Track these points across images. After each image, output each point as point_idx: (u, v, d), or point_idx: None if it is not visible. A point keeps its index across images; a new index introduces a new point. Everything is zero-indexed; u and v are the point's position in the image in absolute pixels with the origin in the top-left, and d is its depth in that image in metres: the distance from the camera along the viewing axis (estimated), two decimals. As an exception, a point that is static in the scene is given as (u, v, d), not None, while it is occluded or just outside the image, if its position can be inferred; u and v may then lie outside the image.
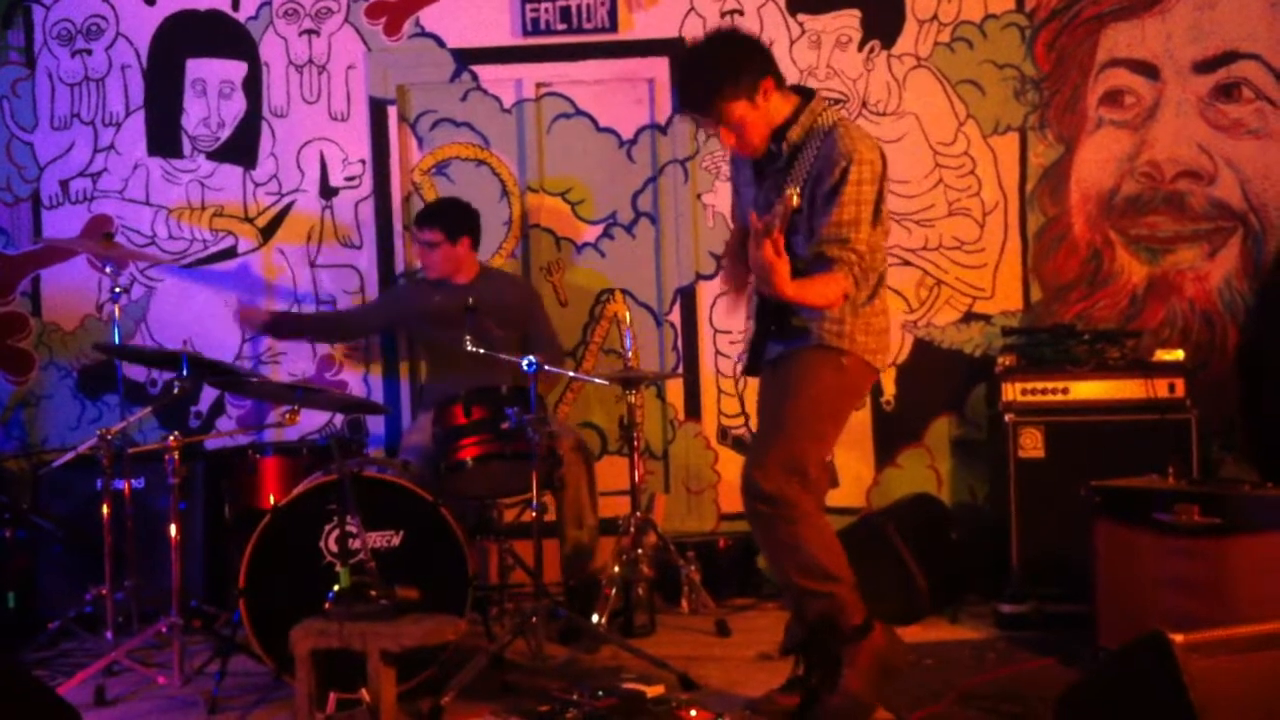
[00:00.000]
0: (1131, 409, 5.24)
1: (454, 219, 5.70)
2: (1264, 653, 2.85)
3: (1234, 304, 5.95)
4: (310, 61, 6.25)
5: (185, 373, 4.79)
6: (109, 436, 4.71)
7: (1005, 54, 6.04)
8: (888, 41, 6.07)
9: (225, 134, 6.28)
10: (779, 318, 3.90)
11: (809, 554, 3.82)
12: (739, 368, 4.33)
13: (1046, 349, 5.52)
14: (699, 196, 6.14)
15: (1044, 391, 5.36)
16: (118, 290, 5.39)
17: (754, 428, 4.32)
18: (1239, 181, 5.95)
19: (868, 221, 3.75)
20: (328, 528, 4.42)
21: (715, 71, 3.77)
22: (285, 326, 6.03)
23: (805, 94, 3.91)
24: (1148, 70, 5.98)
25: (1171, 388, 5.26)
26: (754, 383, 5.91)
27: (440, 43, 6.21)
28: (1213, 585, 4.09)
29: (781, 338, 3.92)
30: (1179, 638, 2.75)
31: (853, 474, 6.03)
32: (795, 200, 3.48)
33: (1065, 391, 5.34)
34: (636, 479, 5.36)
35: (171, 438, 4.49)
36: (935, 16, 6.05)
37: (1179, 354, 5.37)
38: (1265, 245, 5.93)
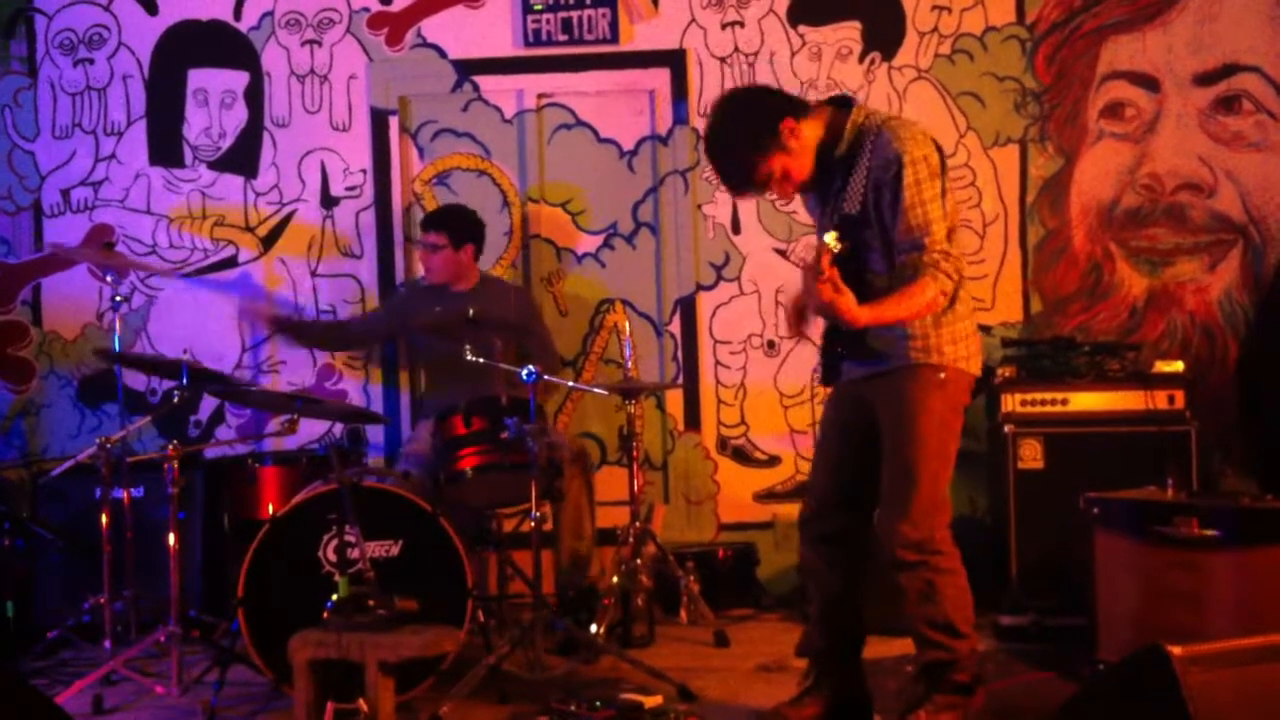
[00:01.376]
0: (1131, 421, 5.24)
1: (459, 225, 5.72)
2: (1264, 666, 2.84)
3: (1234, 316, 5.96)
4: (312, 71, 6.26)
5: (185, 382, 4.78)
6: (108, 445, 4.72)
7: (1006, 66, 6.05)
8: (888, 53, 6.08)
9: (226, 143, 6.29)
10: (849, 339, 3.74)
11: (943, 610, 3.74)
12: (815, 377, 4.15)
13: (1046, 360, 5.52)
14: (699, 207, 6.15)
15: (1043, 403, 5.36)
16: (118, 299, 5.38)
17: (817, 445, 4.06)
18: (1239, 194, 5.96)
19: (939, 220, 3.60)
20: (326, 537, 4.42)
21: (736, 149, 3.73)
22: (290, 328, 6.03)
23: (842, 105, 3.80)
24: (1148, 83, 5.99)
25: (1171, 400, 5.27)
26: (754, 393, 6.08)
27: (442, 53, 6.22)
28: (1212, 598, 4.08)
29: (856, 358, 3.78)
30: (1178, 650, 2.74)
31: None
32: (835, 245, 3.35)
33: (1065, 403, 5.34)
34: (636, 489, 5.36)
35: (170, 447, 4.49)
36: (936, 29, 6.07)
37: (1179, 366, 5.37)
38: (1265, 258, 5.93)
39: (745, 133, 3.71)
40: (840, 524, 3.96)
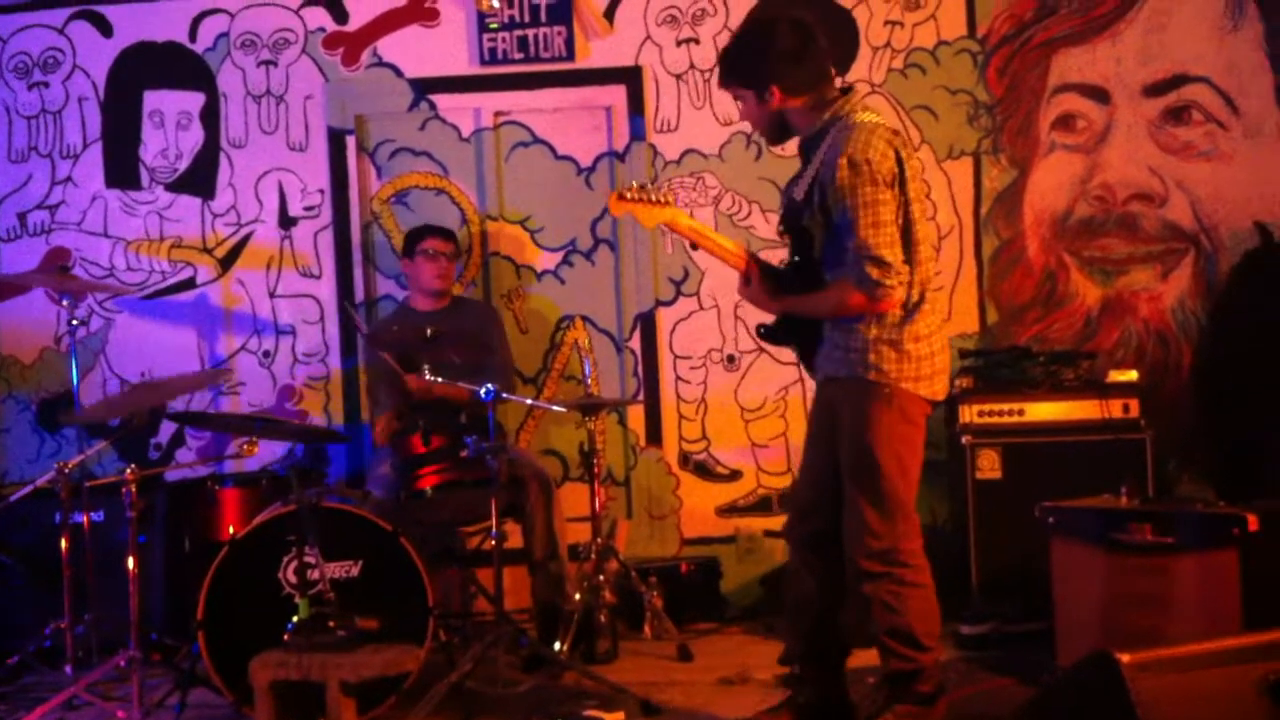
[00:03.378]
0: (1087, 429, 5.29)
1: (457, 238, 5.83)
2: (1212, 670, 2.88)
3: (1188, 324, 6.02)
4: (268, 92, 6.26)
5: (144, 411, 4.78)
6: (67, 470, 4.69)
7: (958, 79, 6.10)
8: (842, 68, 6.11)
9: (183, 165, 6.28)
10: (804, 331, 3.92)
11: (907, 621, 3.78)
12: (780, 393, 4.24)
13: (1003, 371, 5.57)
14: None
15: (1001, 413, 5.40)
16: (76, 323, 5.37)
17: (805, 443, 4.14)
18: (1190, 203, 6.02)
19: (871, 225, 3.61)
20: (286, 558, 4.42)
21: (732, 55, 3.95)
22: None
23: (845, 92, 3.90)
24: (1099, 94, 6.06)
25: (1126, 408, 5.32)
26: (715, 407, 6.11)
27: (398, 73, 6.23)
28: (1166, 603, 4.13)
29: (820, 346, 3.88)
30: (1126, 657, 2.77)
31: (814, 497, 6.04)
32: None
33: (1021, 413, 5.39)
34: (598, 506, 5.36)
35: (129, 470, 4.47)
36: (888, 43, 6.12)
37: (1133, 374, 5.44)
38: (1217, 265, 6.00)
39: (749, 58, 3.89)
40: (816, 528, 3.99)
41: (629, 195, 3.95)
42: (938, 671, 3.88)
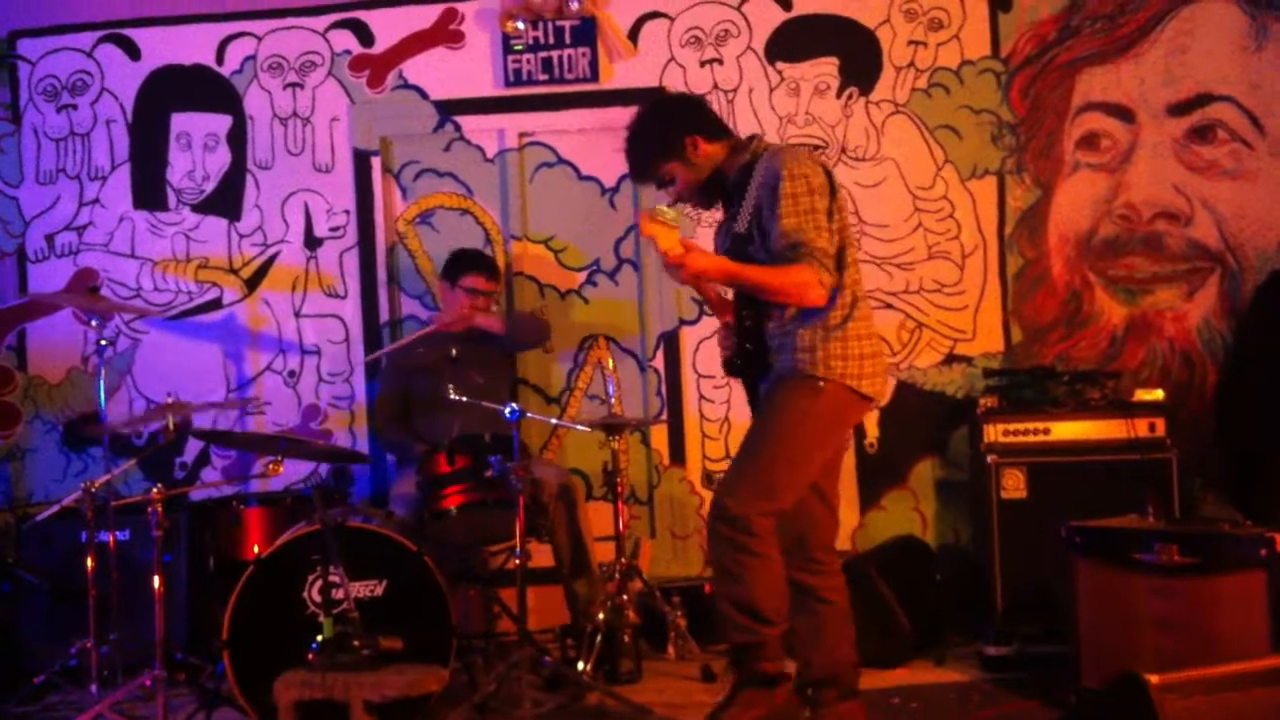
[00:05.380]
0: (1112, 449, 5.27)
1: (500, 274, 5.92)
2: (1239, 692, 2.87)
3: (1213, 343, 5.99)
4: (294, 114, 6.30)
5: (170, 425, 4.80)
6: (93, 489, 4.72)
7: (982, 99, 6.10)
8: (865, 88, 6.13)
9: (210, 186, 6.33)
10: (759, 359, 4.01)
11: (749, 592, 3.86)
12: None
13: (1027, 390, 5.55)
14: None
15: (1025, 432, 5.38)
16: (103, 343, 5.39)
17: None
18: (1215, 222, 6.00)
19: (815, 229, 3.82)
20: (311, 578, 4.43)
21: (642, 140, 4.13)
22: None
23: (752, 139, 4.13)
24: (1123, 114, 6.05)
25: (1152, 427, 5.29)
26: (739, 426, 6.08)
27: (423, 94, 6.27)
28: (1193, 624, 4.10)
29: (768, 370, 4.01)
30: (1154, 678, 2.77)
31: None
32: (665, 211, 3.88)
33: (1046, 432, 5.37)
34: (621, 525, 5.36)
35: (155, 490, 4.49)
36: (912, 63, 6.12)
37: (1159, 394, 5.40)
38: (1243, 285, 5.97)
39: (656, 133, 4.11)
40: (794, 535, 4.05)
41: (663, 217, 3.96)
42: (780, 652, 3.94)
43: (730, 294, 4.18)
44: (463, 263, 5.77)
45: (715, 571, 3.99)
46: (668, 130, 4.08)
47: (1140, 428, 5.28)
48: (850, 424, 4.13)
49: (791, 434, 3.90)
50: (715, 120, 4.17)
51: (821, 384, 3.88)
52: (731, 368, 4.15)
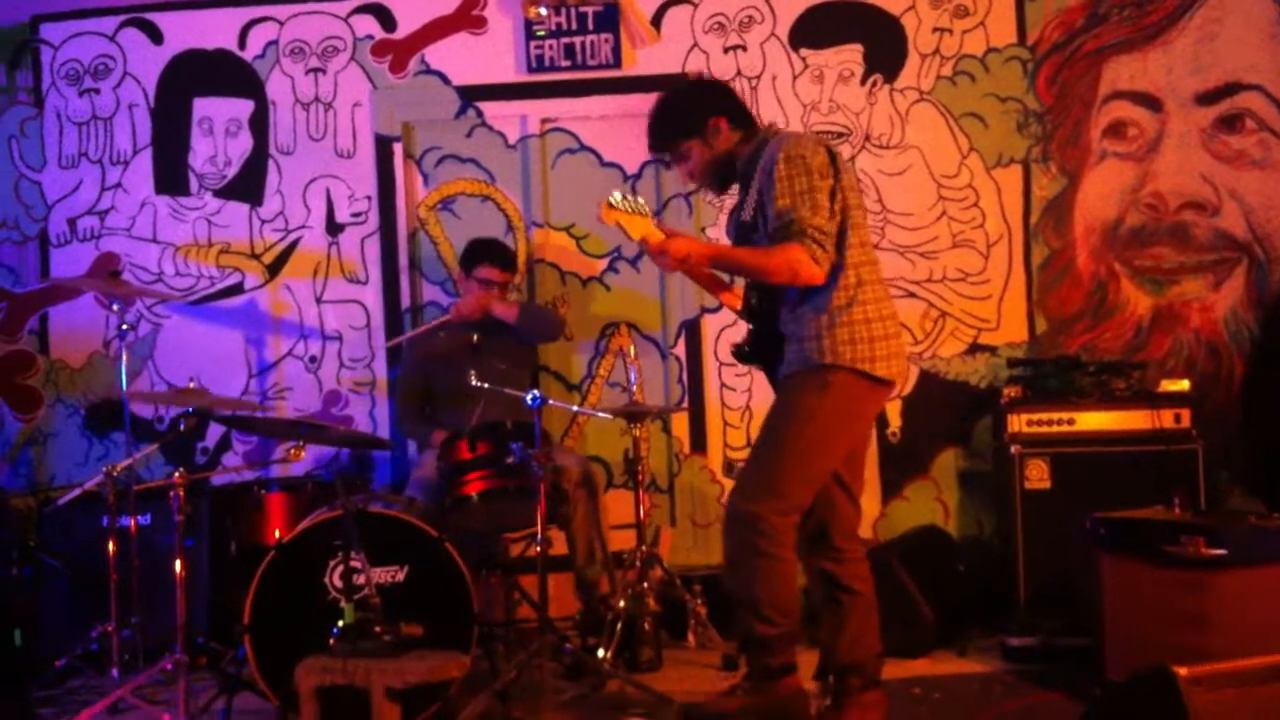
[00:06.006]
0: (1137, 440, 5.24)
1: (516, 263, 5.88)
2: (1269, 686, 2.83)
3: (1239, 334, 5.95)
4: (316, 99, 6.29)
5: (191, 410, 4.80)
6: (115, 473, 4.72)
7: (1007, 87, 6.06)
8: (890, 75, 6.10)
9: (232, 172, 6.32)
10: (772, 346, 4.00)
11: (758, 590, 3.86)
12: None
13: (1052, 380, 5.52)
14: (703, 230, 6.16)
15: (1049, 423, 5.35)
16: (124, 328, 5.40)
17: None
18: (1243, 212, 5.96)
19: (811, 208, 3.80)
20: (332, 563, 4.42)
21: (668, 112, 4.17)
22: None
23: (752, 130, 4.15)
24: (1150, 102, 6.00)
25: (1177, 418, 5.26)
26: (760, 414, 5.99)
27: (445, 80, 6.25)
28: (1219, 618, 4.07)
29: (781, 355, 4.00)
30: (1183, 671, 2.73)
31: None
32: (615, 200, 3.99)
33: (1071, 423, 5.34)
34: (642, 513, 5.35)
35: (177, 474, 4.49)
36: (937, 50, 6.09)
37: (1185, 384, 5.36)
38: (1270, 275, 5.93)
39: (686, 108, 4.14)
40: (811, 529, 4.05)
41: (618, 204, 4.04)
42: (786, 648, 3.94)
43: (733, 277, 4.20)
44: (476, 254, 5.76)
45: (728, 563, 3.98)
46: (697, 107, 4.11)
47: (1166, 419, 5.25)
48: (869, 413, 4.04)
49: (799, 434, 3.87)
50: (743, 109, 4.18)
51: (829, 377, 3.85)
52: (739, 353, 4.15)
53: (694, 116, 4.09)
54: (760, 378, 6.05)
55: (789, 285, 3.89)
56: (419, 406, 5.77)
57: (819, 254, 3.79)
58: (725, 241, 4.35)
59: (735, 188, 4.17)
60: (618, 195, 4.03)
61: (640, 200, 4.07)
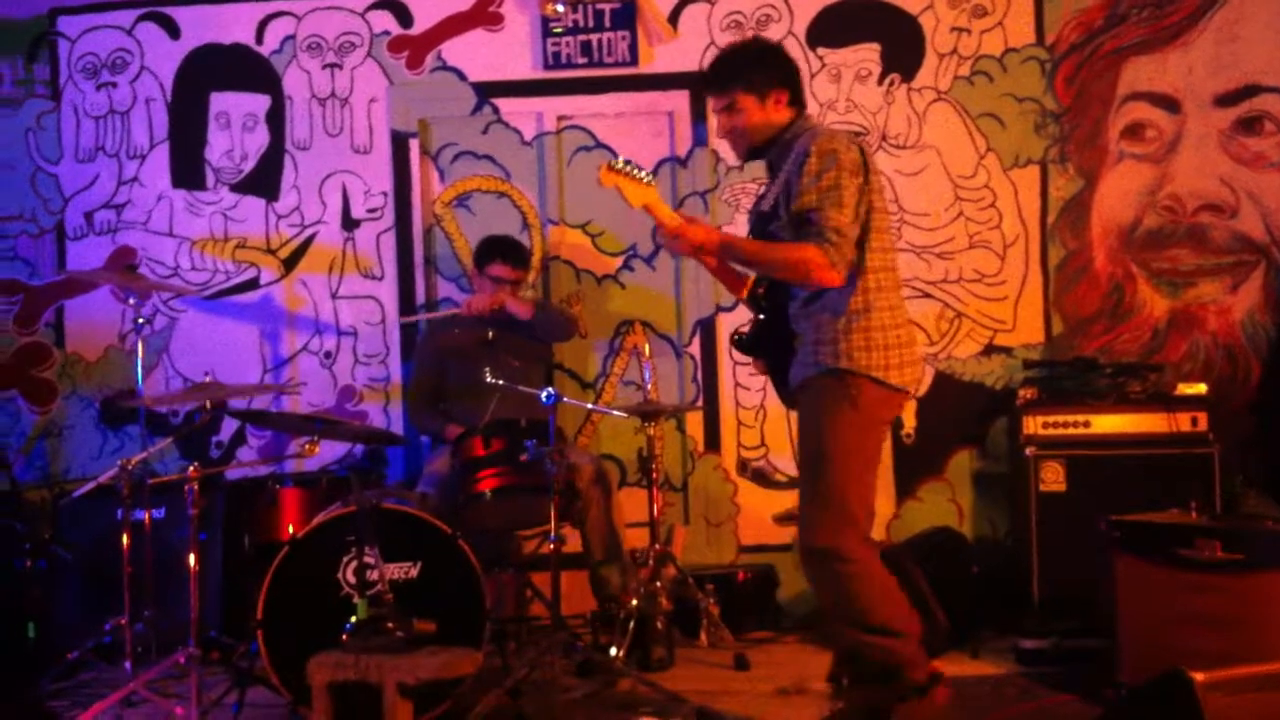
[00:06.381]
0: (1153, 443, 5.22)
1: (528, 260, 5.86)
2: (1286, 691, 2.83)
3: (1257, 338, 5.92)
4: (333, 95, 6.29)
5: (206, 405, 4.81)
6: (129, 467, 4.72)
7: (1025, 87, 6.04)
8: (907, 75, 6.08)
9: (248, 166, 6.33)
10: (780, 340, 3.94)
11: (863, 607, 3.78)
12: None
13: (1068, 382, 5.51)
14: (719, 228, 6.13)
15: (1065, 425, 5.34)
16: (140, 321, 5.41)
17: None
18: (1261, 215, 5.93)
19: (836, 205, 3.75)
20: (346, 559, 4.42)
21: (742, 59, 4.07)
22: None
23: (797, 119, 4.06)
24: (1169, 104, 5.98)
25: (1194, 421, 5.24)
26: (774, 414, 6.07)
27: (462, 76, 6.25)
28: (1235, 622, 4.04)
29: (790, 351, 3.94)
30: (1200, 676, 2.73)
31: (873, 507, 6.00)
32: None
33: (1087, 425, 5.32)
34: (655, 511, 5.35)
35: (191, 469, 4.49)
36: (955, 50, 6.07)
37: (1201, 387, 5.34)
38: (1288, 278, 5.90)
39: (759, 62, 4.04)
40: None
41: (619, 167, 4.04)
42: (923, 656, 3.87)
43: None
44: (489, 251, 5.75)
45: (829, 608, 3.90)
46: (771, 68, 4.02)
47: (1182, 422, 5.23)
48: (887, 419, 4.00)
49: (846, 453, 3.82)
50: (802, 93, 4.09)
51: (852, 390, 3.80)
52: (739, 342, 4.10)
53: (764, 75, 3.98)
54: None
55: (800, 285, 3.86)
56: (432, 402, 5.77)
57: (835, 257, 3.74)
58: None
59: (760, 184, 4.15)
60: (621, 159, 4.02)
61: (646, 171, 4.06)
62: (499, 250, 5.73)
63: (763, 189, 4.12)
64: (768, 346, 4.03)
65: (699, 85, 6.04)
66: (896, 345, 3.85)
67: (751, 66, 4.01)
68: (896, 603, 3.85)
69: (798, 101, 4.03)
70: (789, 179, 3.86)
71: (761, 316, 4.02)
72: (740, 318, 6.03)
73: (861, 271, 3.84)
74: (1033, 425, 5.34)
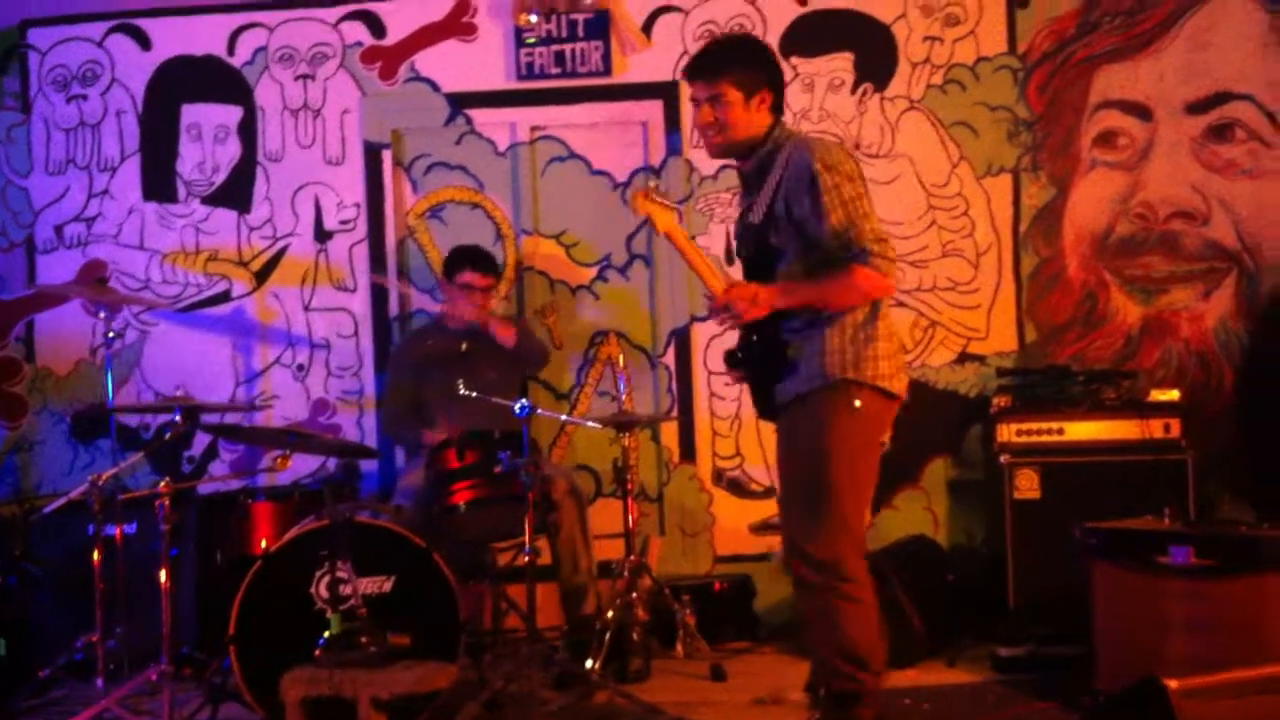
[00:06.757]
0: (1127, 449, 5.22)
1: (498, 267, 5.83)
2: (1261, 697, 2.83)
3: (1229, 344, 5.94)
4: (305, 106, 6.27)
5: (177, 418, 4.78)
6: (100, 482, 4.69)
7: (998, 96, 6.06)
8: (880, 84, 6.09)
9: (220, 178, 6.30)
10: (772, 355, 3.86)
11: (848, 637, 3.75)
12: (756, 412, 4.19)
13: (1042, 389, 5.51)
14: (693, 238, 6.07)
15: (1039, 432, 5.34)
16: (111, 335, 5.38)
17: (775, 478, 4.19)
18: (1232, 221, 5.95)
19: (864, 216, 3.72)
20: (319, 573, 4.40)
21: (736, 52, 3.99)
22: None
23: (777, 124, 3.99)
24: (1140, 111, 6.00)
25: (1167, 428, 5.24)
26: (749, 424, 6.05)
27: (435, 87, 6.23)
28: (1211, 627, 4.06)
29: (785, 367, 3.85)
30: (1174, 683, 2.72)
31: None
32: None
33: (1061, 432, 5.32)
34: (631, 522, 5.33)
35: (163, 483, 4.46)
36: (928, 59, 6.08)
37: (1175, 394, 5.35)
38: (1260, 285, 5.92)
39: (751, 58, 3.95)
40: None
41: (654, 196, 4.00)
42: (880, 701, 3.84)
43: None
44: (457, 260, 5.73)
45: (810, 619, 3.85)
46: (762, 67, 3.94)
47: (1155, 428, 5.24)
48: (886, 430, 3.98)
49: (848, 462, 3.77)
50: (782, 102, 4.00)
51: (856, 399, 3.75)
52: (733, 360, 3.98)
53: (755, 74, 3.90)
54: (750, 386, 6.09)
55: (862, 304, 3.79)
56: (408, 409, 5.74)
57: (886, 267, 3.71)
58: (725, 246, 4.20)
59: (734, 192, 4.11)
60: (654, 184, 3.96)
61: (674, 201, 4.04)
62: (468, 258, 5.71)
63: (741, 201, 4.07)
64: (760, 361, 3.94)
65: (673, 92, 6.09)
66: (893, 354, 3.84)
67: (744, 61, 3.94)
68: (873, 638, 3.81)
69: (778, 108, 3.97)
70: (787, 189, 3.77)
71: (754, 336, 3.91)
72: (715, 328, 6.03)
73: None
74: (1007, 433, 5.34)
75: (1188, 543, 4.15)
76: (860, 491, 3.83)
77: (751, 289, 3.77)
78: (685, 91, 6.09)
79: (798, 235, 3.79)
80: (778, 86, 3.96)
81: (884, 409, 3.85)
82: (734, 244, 4.08)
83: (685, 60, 4.06)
